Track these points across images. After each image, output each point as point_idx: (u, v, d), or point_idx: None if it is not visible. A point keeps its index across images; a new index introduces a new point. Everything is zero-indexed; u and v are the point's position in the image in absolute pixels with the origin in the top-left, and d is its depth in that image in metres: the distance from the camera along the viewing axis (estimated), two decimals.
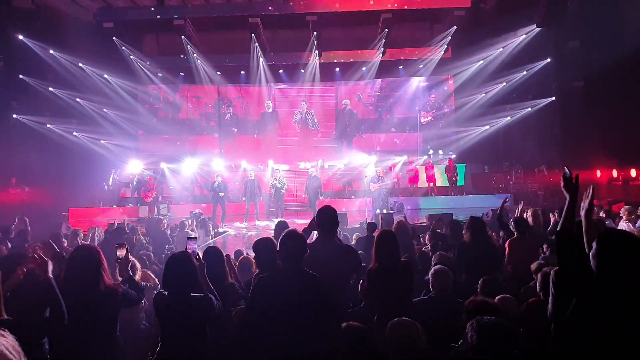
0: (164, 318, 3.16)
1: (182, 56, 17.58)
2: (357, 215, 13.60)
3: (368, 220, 9.64)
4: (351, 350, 2.40)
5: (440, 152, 19.08)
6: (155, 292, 5.12)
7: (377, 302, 3.79)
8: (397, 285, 3.68)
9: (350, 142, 19.67)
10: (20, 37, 14.13)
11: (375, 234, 7.33)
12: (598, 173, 14.32)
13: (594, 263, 2.48)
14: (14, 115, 15.45)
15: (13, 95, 15.48)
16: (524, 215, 7.30)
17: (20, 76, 15.34)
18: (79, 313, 2.99)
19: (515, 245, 5.37)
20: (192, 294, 3.12)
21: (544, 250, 5.60)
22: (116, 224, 9.90)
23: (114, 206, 16.45)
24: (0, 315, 2.66)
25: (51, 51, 15.41)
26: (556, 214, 7.41)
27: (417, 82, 19.68)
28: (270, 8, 15.92)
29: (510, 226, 5.75)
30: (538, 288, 3.81)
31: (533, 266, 4.65)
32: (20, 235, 7.31)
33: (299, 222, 12.30)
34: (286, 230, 3.30)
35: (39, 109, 16.04)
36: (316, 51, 17.16)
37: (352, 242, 7.31)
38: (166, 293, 3.18)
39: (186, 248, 3.52)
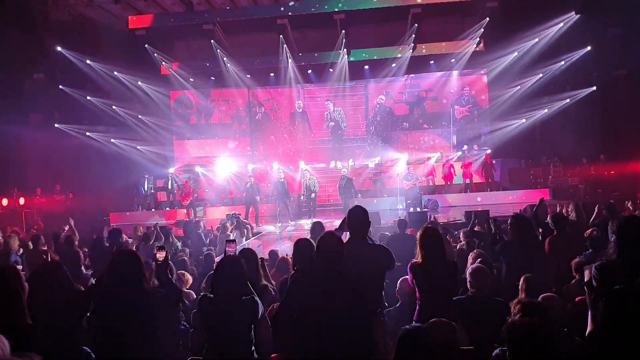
0: (210, 320, 3.21)
1: (211, 60, 17.82)
2: (390, 214, 13.45)
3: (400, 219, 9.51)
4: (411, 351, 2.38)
5: (475, 147, 18.70)
6: (191, 293, 5.23)
7: (418, 298, 3.73)
8: (441, 283, 3.62)
9: (387, 139, 19.44)
10: (59, 48, 14.62)
11: (409, 232, 7.26)
12: None
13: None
14: (56, 125, 16.03)
15: (54, 106, 16.08)
16: (565, 211, 7.05)
17: (60, 86, 15.89)
18: (120, 315, 3.07)
19: (555, 242, 5.17)
20: (242, 297, 3.17)
21: (588, 247, 5.36)
22: (143, 229, 10.04)
23: (152, 210, 16.83)
24: (25, 321, 2.69)
25: (88, 61, 15.92)
26: (600, 208, 7.13)
27: (450, 77, 19.33)
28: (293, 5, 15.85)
29: (549, 223, 5.54)
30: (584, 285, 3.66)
31: (573, 263, 4.48)
32: (67, 240, 7.55)
33: (336, 223, 12.31)
34: (323, 232, 3.31)
35: (79, 117, 16.61)
36: (344, 49, 17.08)
37: (384, 242, 7.22)
38: (212, 296, 3.22)
39: (225, 251, 3.56)
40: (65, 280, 3.09)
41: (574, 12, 14.14)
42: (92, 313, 3.14)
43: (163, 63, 17.81)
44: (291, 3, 16.01)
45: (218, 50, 17.11)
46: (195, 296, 5.16)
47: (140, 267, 3.25)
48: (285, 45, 16.85)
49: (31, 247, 7.60)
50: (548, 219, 5.73)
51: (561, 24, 15.38)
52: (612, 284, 2.58)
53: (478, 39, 16.90)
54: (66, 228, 9.21)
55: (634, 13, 13.31)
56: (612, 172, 14.95)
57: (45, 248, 7.43)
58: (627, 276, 2.56)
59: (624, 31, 14.25)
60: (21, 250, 7.55)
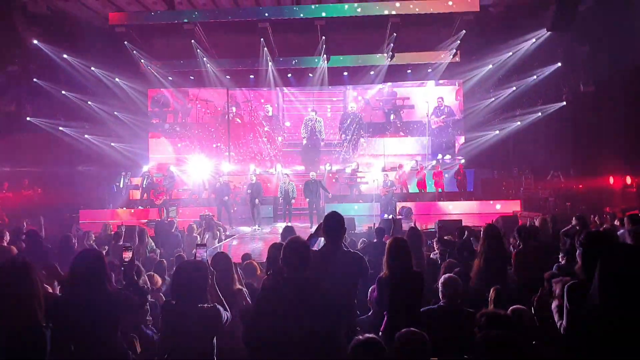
0: (171, 327, 3.13)
1: (191, 60, 17.71)
2: (364, 220, 13.56)
3: (376, 226, 9.61)
4: None
5: (448, 157, 19.02)
6: (161, 296, 5.19)
7: (386, 311, 3.77)
8: (408, 295, 3.65)
9: (356, 146, 19.65)
10: (35, 41, 14.31)
11: (385, 239, 7.36)
12: (611, 180, 14.17)
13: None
14: (28, 118, 15.67)
15: (27, 99, 15.71)
16: (536, 222, 7.25)
17: (35, 80, 15.54)
18: (81, 316, 2.99)
19: (520, 255, 5.33)
20: (200, 305, 3.08)
21: (560, 259, 5.52)
22: (111, 229, 9.86)
23: (124, 208, 16.56)
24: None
25: (64, 55, 15.62)
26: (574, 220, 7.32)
27: (426, 86, 19.64)
28: (277, 12, 15.93)
29: (514, 236, 5.71)
30: (556, 300, 3.79)
31: (546, 275, 4.61)
32: (30, 236, 7.36)
33: (301, 226, 12.33)
34: (289, 237, 3.29)
35: (52, 112, 16.27)
36: (324, 55, 17.19)
37: (359, 247, 7.30)
38: (174, 302, 3.16)
39: (194, 255, 3.52)
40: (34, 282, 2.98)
41: (545, 29, 14.53)
42: (51, 313, 3.02)
43: (142, 60, 17.60)
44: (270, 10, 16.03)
45: (198, 50, 17.00)
46: (165, 299, 5.11)
47: (103, 267, 3.16)
48: (265, 48, 16.86)
49: None
50: (514, 232, 5.88)
51: (533, 40, 15.81)
52: (582, 301, 2.66)
53: (454, 50, 17.23)
54: (25, 224, 8.97)
55: (602, 32, 13.78)
56: (581, 186, 15.38)
57: (6, 244, 7.23)
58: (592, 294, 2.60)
59: (592, 49, 14.74)
60: None
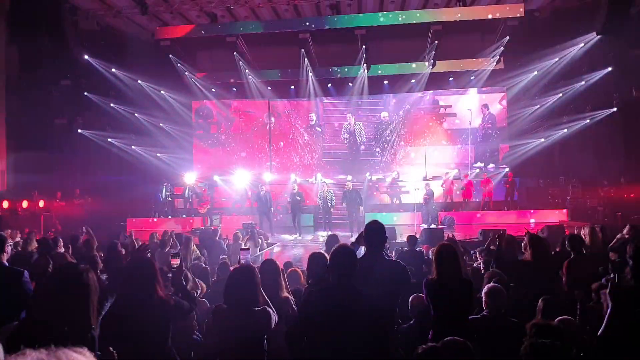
0: (222, 331, 3.20)
1: (233, 72, 18.14)
2: (406, 230, 13.41)
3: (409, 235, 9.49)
4: None
5: (491, 165, 18.59)
6: (205, 302, 5.28)
7: (432, 316, 3.72)
8: (457, 301, 3.60)
9: (395, 154, 19.49)
10: (86, 56, 15.00)
11: (425, 248, 7.26)
12: None
13: None
14: (79, 130, 16.39)
15: (78, 112, 16.47)
16: (583, 233, 6.98)
17: (85, 93, 16.27)
18: (133, 323, 3.05)
19: (572, 265, 5.15)
20: (253, 308, 3.15)
21: (610, 272, 5.31)
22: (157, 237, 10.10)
23: (169, 217, 17.00)
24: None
25: (113, 69, 16.29)
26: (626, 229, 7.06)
27: (469, 94, 19.32)
28: (318, 23, 16.10)
29: (566, 245, 5.52)
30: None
31: (594, 286, 4.44)
32: (86, 244, 7.69)
33: (342, 235, 12.30)
34: (337, 244, 3.31)
35: (101, 124, 16.97)
36: (364, 64, 17.21)
37: (393, 257, 7.22)
38: (225, 306, 3.22)
39: (239, 259, 3.57)
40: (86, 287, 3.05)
41: (595, 33, 14.04)
42: (105, 319, 3.10)
43: (186, 73, 18.15)
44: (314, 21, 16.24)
45: (240, 62, 17.37)
46: (209, 305, 5.19)
47: (154, 273, 3.22)
48: (306, 59, 17.05)
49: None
50: (566, 242, 5.68)
51: (582, 44, 15.30)
52: (627, 308, 2.60)
53: (498, 57, 16.89)
54: (83, 231, 9.38)
55: None
56: (632, 194, 14.71)
57: (63, 250, 7.56)
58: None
59: None
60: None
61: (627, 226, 7.17)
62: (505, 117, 19.03)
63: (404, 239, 11.10)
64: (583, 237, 6.30)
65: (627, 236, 6.70)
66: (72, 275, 2.78)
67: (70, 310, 2.68)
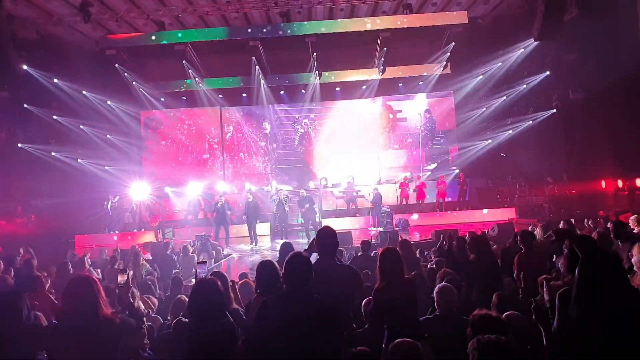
0: (187, 346, 3.10)
1: (183, 80, 17.83)
2: (362, 234, 13.53)
3: (372, 240, 9.59)
4: None
5: (434, 165, 19.10)
6: (158, 318, 5.12)
7: (384, 322, 3.74)
8: (403, 303, 3.63)
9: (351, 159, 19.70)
10: (25, 67, 14.33)
11: (378, 251, 7.33)
12: (603, 184, 14.23)
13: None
14: (19, 145, 15.60)
15: (18, 125, 15.68)
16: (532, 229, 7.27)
17: (25, 105, 15.53)
18: (77, 343, 2.92)
19: (523, 259, 5.33)
20: (219, 320, 3.11)
21: (556, 266, 5.53)
22: (107, 253, 9.78)
23: (117, 232, 16.44)
24: None
25: (55, 80, 15.64)
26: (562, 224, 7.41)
27: (418, 98, 19.79)
28: (264, 30, 16.09)
29: (517, 240, 5.72)
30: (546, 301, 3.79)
31: (540, 280, 4.61)
32: (26, 264, 7.30)
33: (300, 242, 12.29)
34: (291, 252, 3.28)
35: (44, 137, 16.21)
36: (316, 71, 17.32)
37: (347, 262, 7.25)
38: (187, 320, 3.14)
39: (196, 273, 3.50)
40: (22, 312, 2.91)
41: (532, 39, 14.71)
42: (50, 340, 2.99)
43: (134, 83, 17.67)
44: (264, 29, 16.20)
45: (190, 71, 17.09)
46: (162, 321, 5.04)
47: (97, 291, 3.09)
48: (257, 66, 16.98)
49: None
50: (517, 236, 5.89)
51: (522, 50, 16.02)
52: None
53: (445, 62, 17.42)
54: (21, 251, 8.91)
55: (589, 39, 13.97)
56: (574, 191, 15.45)
57: (0, 274, 7.15)
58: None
59: (580, 56, 14.94)
60: None
61: (561, 222, 7.52)
62: (453, 120, 19.60)
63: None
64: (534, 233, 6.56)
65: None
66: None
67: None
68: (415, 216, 16.27)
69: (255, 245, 13.92)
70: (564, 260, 3.04)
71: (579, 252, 2.76)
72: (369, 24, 16.00)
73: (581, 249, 2.75)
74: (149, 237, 15.28)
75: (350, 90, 19.04)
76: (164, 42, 15.96)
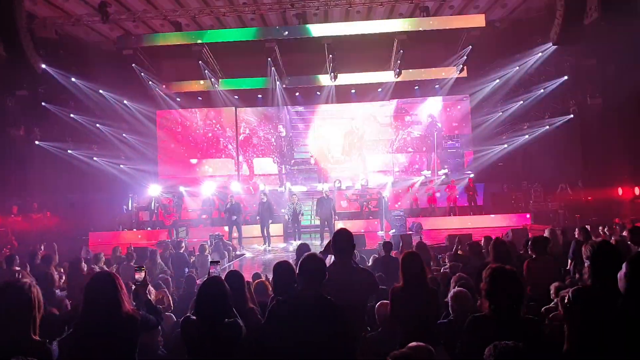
0: (192, 344, 3.13)
1: (200, 81, 17.95)
2: (375, 237, 13.49)
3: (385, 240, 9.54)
4: None
5: (445, 170, 18.96)
6: (171, 316, 5.15)
7: (398, 323, 3.72)
8: (423, 308, 3.60)
9: (365, 161, 19.69)
10: (43, 66, 14.53)
11: (394, 254, 7.30)
12: (620, 191, 14.04)
13: (622, 284, 2.59)
14: (37, 142, 15.83)
15: (36, 123, 15.92)
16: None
17: (43, 103, 15.75)
18: (98, 340, 2.96)
19: (532, 266, 5.27)
20: (224, 320, 3.10)
21: (571, 273, 5.47)
22: (120, 251, 9.86)
23: (133, 230, 16.60)
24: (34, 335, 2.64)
25: (73, 79, 15.84)
26: (577, 232, 7.29)
27: (433, 102, 19.70)
28: (285, 33, 16.13)
29: (527, 247, 5.65)
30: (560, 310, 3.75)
31: (552, 287, 4.55)
32: (44, 260, 7.41)
33: (316, 244, 12.29)
34: (306, 253, 3.29)
35: (61, 135, 16.45)
36: (332, 73, 17.33)
37: (369, 264, 7.24)
38: (194, 318, 3.16)
39: (209, 272, 3.51)
40: (27, 302, 2.86)
41: (551, 43, 14.56)
42: (68, 338, 3.01)
43: (150, 82, 17.84)
44: (281, 30, 16.27)
45: (206, 71, 17.20)
46: (175, 319, 5.06)
47: (118, 287, 3.10)
48: (273, 68, 17.04)
49: (4, 267, 7.37)
50: (528, 242, 5.83)
51: (540, 54, 15.85)
52: (588, 308, 2.68)
53: (461, 65, 17.32)
54: (42, 247, 9.05)
55: (608, 45, 13.80)
56: (590, 197, 15.25)
57: (19, 268, 7.26)
58: (601, 301, 2.66)
59: (599, 62, 14.76)
60: None
61: (577, 229, 7.42)
62: (469, 124, 19.47)
63: (374, 246, 11.22)
64: (546, 238, 6.46)
65: (579, 238, 6.92)
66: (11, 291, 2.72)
67: (11, 325, 2.63)
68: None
69: (269, 245, 13.94)
70: (589, 268, 3.00)
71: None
72: (385, 26, 15.97)
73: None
74: (162, 236, 15.43)
75: (365, 93, 19.01)
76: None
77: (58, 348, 3.17)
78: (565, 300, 2.91)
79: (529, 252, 5.60)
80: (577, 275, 5.30)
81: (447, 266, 6.53)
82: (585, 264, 3.53)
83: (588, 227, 8.52)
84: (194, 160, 19.94)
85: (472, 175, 18.01)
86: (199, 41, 16.09)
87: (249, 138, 20.18)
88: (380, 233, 14.76)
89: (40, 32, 14.86)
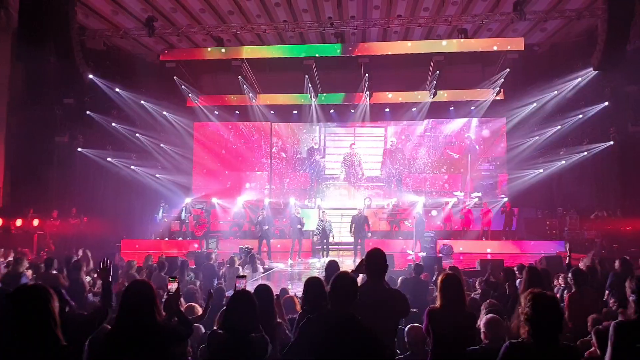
0: (218, 357, 3.15)
1: (237, 95, 18.34)
2: (402, 257, 13.36)
3: (418, 262, 9.45)
4: None
5: (479, 194, 18.64)
6: (200, 327, 5.21)
7: (432, 346, 3.67)
8: (459, 333, 3.53)
9: (399, 181, 19.62)
10: (90, 76, 15.13)
11: (424, 277, 7.21)
12: None
13: None
14: (79, 149, 16.41)
15: (79, 130, 16.53)
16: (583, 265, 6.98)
17: (87, 112, 16.36)
18: (131, 348, 3.00)
19: (575, 299, 5.12)
20: (250, 335, 3.12)
21: (610, 304, 5.29)
22: (152, 260, 10.02)
23: (165, 239, 16.89)
24: (59, 341, 2.58)
25: (117, 89, 16.42)
26: (617, 263, 7.07)
27: (469, 123, 19.54)
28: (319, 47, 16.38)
29: (568, 279, 5.49)
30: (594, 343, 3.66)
31: (590, 320, 4.43)
32: (74, 266, 7.51)
33: (348, 263, 12.25)
34: (338, 272, 3.29)
35: (102, 143, 17.01)
36: (367, 92, 17.43)
37: (398, 285, 7.18)
38: (222, 331, 3.19)
39: (235, 286, 3.55)
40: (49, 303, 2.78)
41: (591, 68, 14.30)
42: (100, 341, 3.07)
43: (189, 95, 18.32)
44: (319, 48, 16.56)
45: (244, 86, 17.56)
46: (204, 330, 5.12)
47: (153, 298, 3.16)
48: (309, 85, 17.27)
49: (43, 270, 7.49)
50: (569, 274, 5.66)
51: (579, 79, 15.55)
52: (630, 342, 2.61)
53: (498, 88, 17.14)
54: (80, 253, 9.28)
55: None
56: (629, 227, 14.73)
57: (56, 272, 7.42)
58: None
59: None
60: (29, 273, 7.35)
61: (617, 261, 7.17)
62: (504, 148, 19.18)
63: (404, 267, 11.10)
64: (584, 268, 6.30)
65: (619, 271, 6.70)
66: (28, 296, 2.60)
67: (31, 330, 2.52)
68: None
69: (298, 259, 14.00)
70: (635, 302, 2.92)
71: None
72: (423, 47, 16.02)
73: None
74: (193, 246, 15.64)
75: (400, 112, 19.01)
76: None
77: (88, 349, 3.26)
78: (610, 334, 2.83)
79: (569, 283, 5.44)
80: (615, 308, 5.11)
81: (478, 291, 6.43)
82: (630, 298, 3.42)
83: (627, 257, 8.25)
84: (227, 172, 20.23)
85: (506, 199, 17.67)
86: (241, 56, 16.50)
87: (280, 152, 20.40)
88: (410, 255, 14.57)
89: (90, 43, 15.53)
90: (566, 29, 15.91)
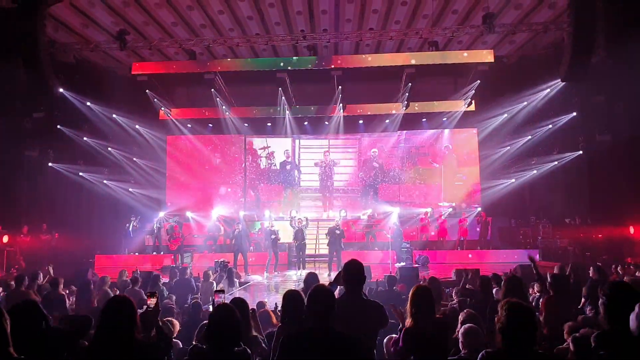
0: None
1: (210, 108, 18.23)
2: (379, 268, 13.37)
3: (392, 274, 9.47)
4: None
5: (453, 204, 18.90)
6: (178, 342, 5.11)
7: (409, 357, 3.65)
8: (434, 346, 3.53)
9: (375, 192, 19.74)
10: (61, 89, 14.83)
11: (400, 288, 7.23)
12: (631, 229, 13.89)
13: (634, 325, 2.60)
14: (50, 164, 16.02)
15: (50, 144, 16.16)
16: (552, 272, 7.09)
17: (58, 126, 16.01)
18: None
19: (551, 303, 5.19)
20: (234, 349, 3.08)
21: (586, 312, 5.38)
22: (126, 275, 9.85)
23: (136, 254, 16.56)
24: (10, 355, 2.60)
25: (88, 103, 16.14)
26: (592, 271, 7.22)
27: (442, 135, 19.84)
28: (295, 64, 16.43)
29: (547, 284, 5.56)
30: (571, 349, 3.70)
31: (566, 327, 4.48)
32: (52, 283, 7.45)
33: (324, 276, 12.19)
34: (315, 285, 3.26)
35: (73, 157, 16.66)
36: (341, 104, 17.55)
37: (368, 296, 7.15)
38: (204, 346, 3.14)
39: (213, 301, 3.49)
40: (39, 319, 2.94)
41: (559, 80, 14.71)
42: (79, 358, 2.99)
43: (162, 108, 18.12)
44: (293, 58, 16.63)
45: (217, 99, 17.47)
46: (181, 345, 5.02)
47: (133, 315, 3.08)
48: (283, 97, 17.29)
49: (13, 287, 7.49)
50: (548, 278, 5.74)
51: (548, 90, 15.98)
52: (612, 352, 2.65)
53: (469, 99, 17.48)
54: (51, 270, 9.07)
55: (617, 82, 13.90)
56: (600, 235, 15.10)
57: (25, 289, 7.30)
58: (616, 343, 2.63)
59: (607, 99, 14.85)
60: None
61: (592, 268, 7.34)
62: (477, 158, 19.52)
63: (380, 278, 11.09)
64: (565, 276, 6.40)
65: (594, 278, 6.85)
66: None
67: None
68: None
69: (274, 273, 13.86)
70: (603, 308, 2.96)
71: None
72: (393, 60, 16.25)
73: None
74: (167, 261, 15.37)
75: (373, 124, 19.19)
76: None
77: None
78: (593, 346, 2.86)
79: (547, 289, 5.50)
80: (591, 315, 5.21)
81: (454, 301, 6.45)
82: (600, 301, 3.47)
83: (600, 264, 8.45)
84: (200, 186, 20.03)
85: (479, 209, 17.94)
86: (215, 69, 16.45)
87: (256, 165, 20.33)
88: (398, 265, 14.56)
89: (59, 57, 15.24)
90: (534, 42, 16.37)
